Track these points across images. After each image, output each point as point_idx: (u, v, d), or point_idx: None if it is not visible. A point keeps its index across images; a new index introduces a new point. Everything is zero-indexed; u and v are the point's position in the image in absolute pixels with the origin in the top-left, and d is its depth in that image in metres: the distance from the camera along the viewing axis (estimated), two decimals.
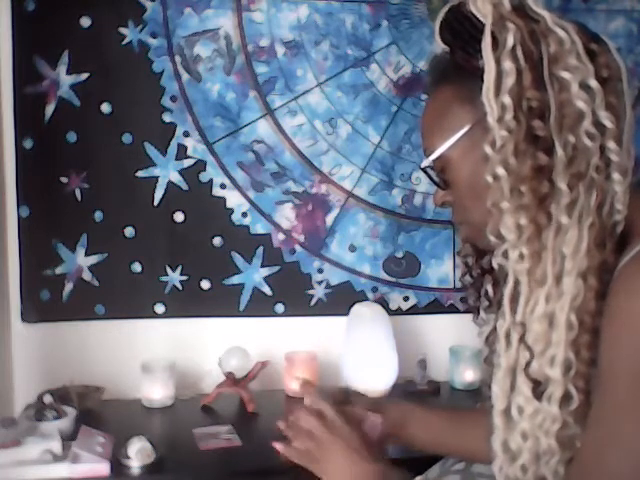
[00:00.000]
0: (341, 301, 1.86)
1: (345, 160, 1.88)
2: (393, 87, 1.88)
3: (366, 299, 1.90)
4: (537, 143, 0.70)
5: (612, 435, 0.65)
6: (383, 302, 1.91)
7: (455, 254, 1.95)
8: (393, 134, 1.89)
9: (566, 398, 0.71)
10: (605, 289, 0.69)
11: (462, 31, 0.76)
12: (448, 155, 0.81)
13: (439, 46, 0.82)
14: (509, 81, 0.70)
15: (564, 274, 0.71)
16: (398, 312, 1.93)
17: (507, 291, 0.75)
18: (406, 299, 1.95)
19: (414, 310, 1.95)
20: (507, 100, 0.70)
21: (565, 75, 0.70)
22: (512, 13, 0.71)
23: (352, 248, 1.91)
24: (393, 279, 1.93)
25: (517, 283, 0.74)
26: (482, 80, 0.72)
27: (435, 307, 1.95)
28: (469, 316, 2.16)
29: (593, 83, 0.70)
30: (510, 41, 0.70)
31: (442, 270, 1.95)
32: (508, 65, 0.70)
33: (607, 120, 0.70)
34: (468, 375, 1.82)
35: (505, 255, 0.74)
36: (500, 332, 0.77)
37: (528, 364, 0.74)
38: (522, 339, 0.74)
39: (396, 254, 1.93)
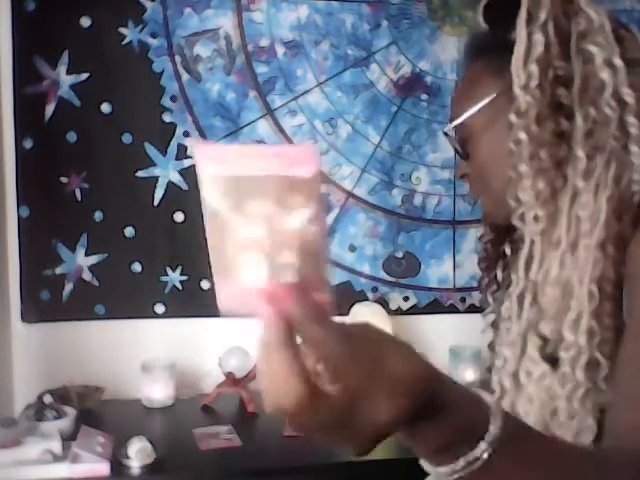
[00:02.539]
0: (341, 301, 1.86)
1: (345, 160, 1.88)
2: (393, 87, 1.88)
3: (366, 299, 1.90)
4: (559, 110, 0.74)
5: None
6: (383, 302, 1.91)
7: (455, 254, 1.95)
8: (393, 134, 1.89)
9: (592, 365, 0.71)
10: (623, 257, 0.71)
11: (501, 8, 0.79)
12: (471, 123, 0.83)
13: (480, 23, 0.84)
14: (537, 51, 0.73)
15: (580, 241, 0.72)
16: (398, 312, 1.93)
17: (523, 253, 0.77)
18: (406, 299, 1.95)
19: (414, 310, 1.95)
20: (534, 68, 0.73)
21: (592, 49, 0.73)
22: None
23: (352, 248, 1.91)
24: (393, 279, 1.93)
25: (532, 245, 0.76)
26: (512, 53, 0.76)
27: (435, 307, 1.95)
28: (469, 316, 2.16)
29: (617, 61, 0.73)
30: (543, 16, 0.73)
31: (442, 270, 1.95)
32: (538, 37, 0.73)
33: (628, 96, 0.73)
34: (468, 375, 1.82)
35: (522, 219, 0.77)
36: (513, 296, 0.78)
37: (538, 325, 0.75)
38: (535, 300, 0.76)
39: (396, 254, 1.93)
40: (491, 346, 0.89)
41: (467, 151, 0.86)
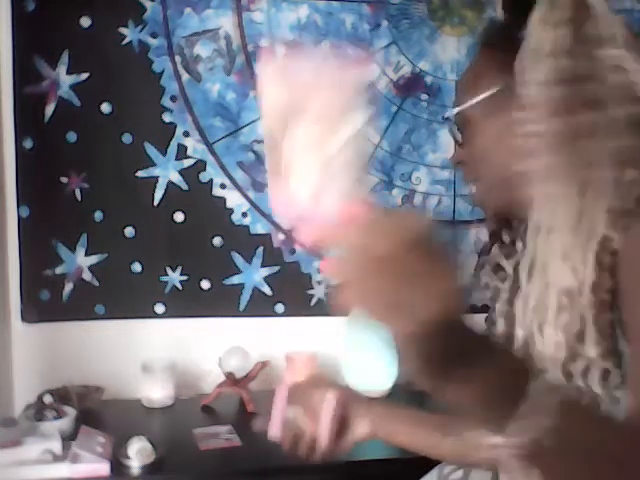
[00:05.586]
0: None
1: None
2: (393, 87, 1.88)
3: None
4: (560, 107, 0.74)
5: None
6: None
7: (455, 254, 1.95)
8: (393, 134, 1.89)
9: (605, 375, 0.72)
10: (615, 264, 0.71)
11: (520, 3, 0.80)
12: (472, 112, 0.85)
13: (499, 14, 0.86)
14: (546, 48, 0.74)
15: (583, 216, 0.72)
16: None
17: (524, 260, 0.78)
18: None
19: None
20: (538, 64, 0.74)
21: (599, 53, 0.74)
22: None
23: None
24: None
25: (539, 219, 0.77)
26: (520, 49, 0.77)
27: None
28: (469, 316, 2.16)
29: (629, 65, 0.73)
30: (557, 15, 0.74)
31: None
32: (549, 35, 0.74)
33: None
34: None
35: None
36: (523, 268, 0.79)
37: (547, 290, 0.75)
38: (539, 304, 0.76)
39: None
40: (487, 320, 0.91)
41: (465, 138, 0.87)
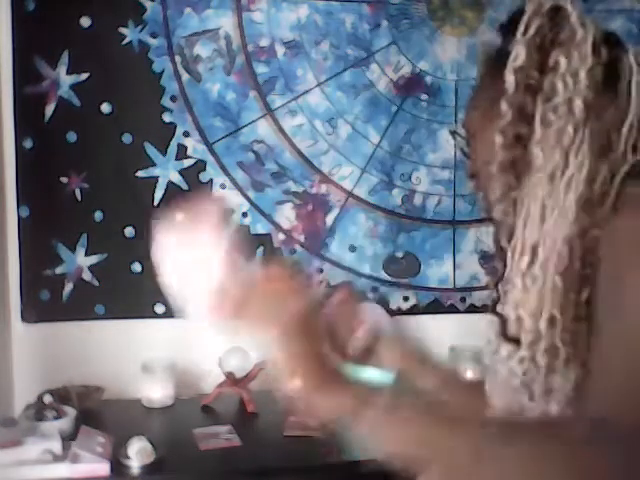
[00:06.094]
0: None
1: (345, 160, 1.88)
2: (393, 87, 1.88)
3: (366, 299, 1.90)
4: (525, 115, 0.81)
5: None
6: (383, 302, 1.91)
7: (455, 254, 1.95)
8: (393, 134, 1.89)
9: (551, 350, 0.77)
10: (592, 254, 0.76)
11: (510, 23, 0.86)
12: (470, 124, 0.91)
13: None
14: (518, 62, 0.81)
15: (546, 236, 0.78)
16: (398, 312, 1.93)
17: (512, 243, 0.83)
18: (406, 299, 1.95)
19: (414, 310, 1.94)
20: (511, 78, 0.81)
21: (561, 60, 0.79)
22: (549, 10, 0.82)
23: (352, 248, 1.90)
24: (393, 279, 1.93)
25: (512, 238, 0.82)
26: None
27: (435, 307, 1.95)
28: (469, 316, 2.16)
29: (582, 74, 0.78)
30: (532, 29, 0.81)
31: (442, 270, 1.95)
32: (522, 49, 0.81)
33: (577, 108, 0.78)
34: (468, 375, 1.82)
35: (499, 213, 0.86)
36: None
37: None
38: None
39: (396, 254, 1.93)
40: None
41: (471, 151, 0.92)
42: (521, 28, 0.82)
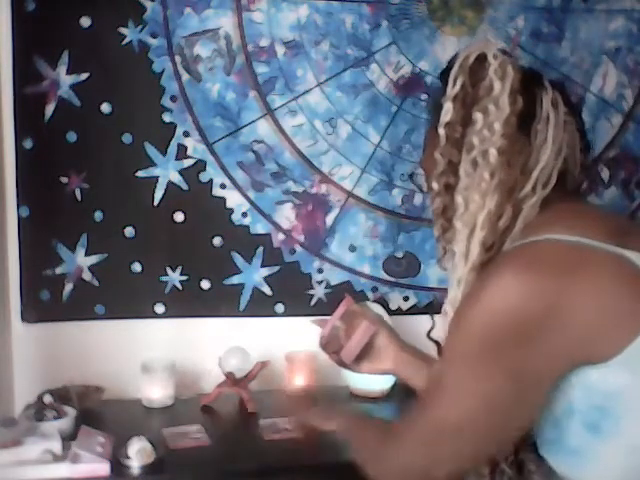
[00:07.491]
0: (341, 301, 1.86)
1: (345, 160, 1.88)
2: (393, 87, 1.88)
3: (366, 299, 1.90)
4: (451, 166, 0.89)
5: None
6: (383, 302, 1.91)
7: None
8: (393, 134, 1.89)
9: None
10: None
11: (446, 71, 0.92)
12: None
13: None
14: (446, 117, 0.88)
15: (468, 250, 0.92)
16: (398, 312, 1.93)
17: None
18: (406, 299, 1.95)
19: (414, 310, 1.95)
20: (442, 131, 0.88)
21: (477, 115, 0.85)
22: (474, 65, 0.87)
23: (352, 248, 1.91)
24: (393, 279, 1.93)
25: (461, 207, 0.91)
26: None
27: (435, 307, 1.95)
28: None
29: (496, 125, 0.83)
30: (457, 88, 0.87)
31: (442, 270, 1.94)
32: (449, 105, 0.88)
33: (492, 157, 0.84)
34: None
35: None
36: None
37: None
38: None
39: (396, 254, 1.93)
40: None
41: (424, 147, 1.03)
42: (450, 82, 0.88)
